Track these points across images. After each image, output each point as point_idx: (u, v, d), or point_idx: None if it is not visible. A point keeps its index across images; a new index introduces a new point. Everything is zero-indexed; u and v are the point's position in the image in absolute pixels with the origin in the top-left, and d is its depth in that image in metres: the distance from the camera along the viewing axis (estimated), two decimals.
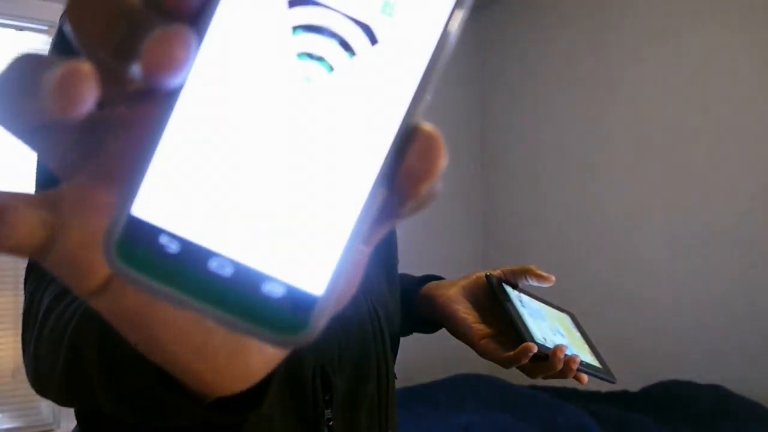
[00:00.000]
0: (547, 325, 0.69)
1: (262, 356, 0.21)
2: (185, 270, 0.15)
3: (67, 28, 0.16)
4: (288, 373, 0.50)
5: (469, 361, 2.55)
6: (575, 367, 0.62)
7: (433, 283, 0.72)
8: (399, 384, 0.68)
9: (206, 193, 0.15)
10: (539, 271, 0.68)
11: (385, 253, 0.65)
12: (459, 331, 0.66)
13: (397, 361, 0.67)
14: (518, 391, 2.09)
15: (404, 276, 0.75)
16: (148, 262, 0.15)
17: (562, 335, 0.69)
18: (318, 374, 0.52)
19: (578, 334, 0.75)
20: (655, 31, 2.30)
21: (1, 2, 2.02)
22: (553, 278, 0.67)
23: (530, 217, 2.79)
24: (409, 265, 0.79)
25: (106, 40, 0.15)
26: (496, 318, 0.66)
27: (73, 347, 0.33)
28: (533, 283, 0.68)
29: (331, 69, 0.15)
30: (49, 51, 0.50)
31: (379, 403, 0.57)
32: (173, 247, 0.15)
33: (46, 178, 0.47)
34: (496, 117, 3.04)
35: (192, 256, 0.15)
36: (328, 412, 0.51)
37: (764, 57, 1.98)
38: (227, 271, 0.15)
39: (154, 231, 0.15)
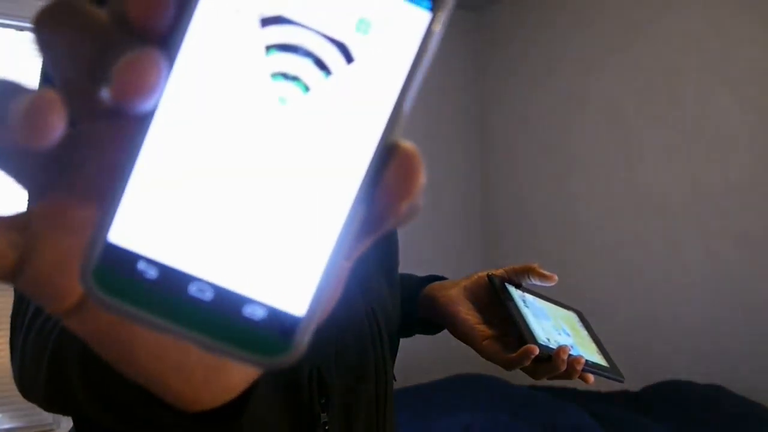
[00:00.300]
0: (552, 325, 0.68)
1: (241, 372, 0.21)
2: (164, 296, 0.14)
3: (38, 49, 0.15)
4: (283, 377, 0.50)
5: (469, 361, 2.55)
6: (580, 367, 0.61)
7: (435, 283, 0.71)
8: (399, 384, 0.68)
9: (183, 216, 0.15)
10: (542, 270, 0.67)
11: (385, 255, 0.64)
12: (461, 333, 0.65)
13: (396, 361, 0.67)
14: (518, 391, 2.09)
15: (406, 276, 0.75)
16: (126, 288, 0.14)
17: (567, 334, 0.69)
18: (314, 377, 0.51)
19: (585, 333, 0.74)
20: (652, 17, 2.30)
21: (1, 2, 2.02)
22: (556, 277, 0.67)
23: (531, 218, 2.79)
24: (410, 265, 0.79)
25: (75, 62, 0.15)
26: (498, 318, 0.66)
27: (56, 356, 0.33)
28: (536, 282, 0.68)
29: (307, 89, 0.15)
30: (40, 71, 0.50)
31: (377, 406, 0.57)
32: (151, 273, 0.14)
33: None
34: (496, 117, 3.04)
35: (170, 282, 0.14)
36: (323, 416, 0.51)
37: (757, 49, 1.98)
38: (207, 296, 0.14)
39: (131, 257, 0.14)
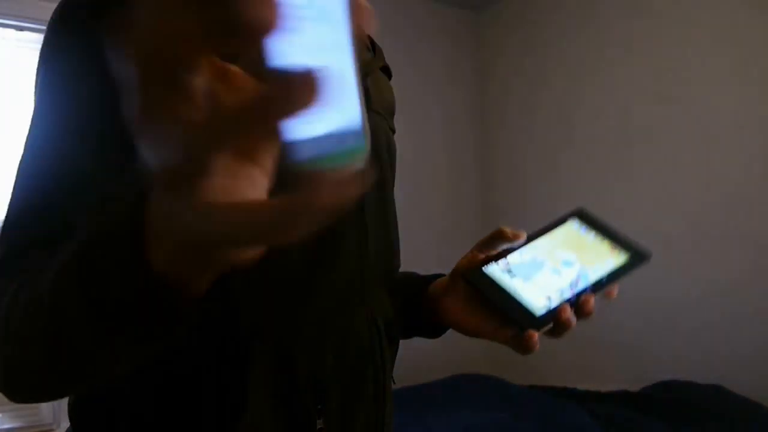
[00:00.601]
0: (550, 268, 0.63)
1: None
2: (284, 157, 0.22)
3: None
4: (279, 381, 0.49)
5: (469, 361, 2.56)
6: (591, 306, 0.58)
7: (431, 288, 0.69)
8: (399, 384, 0.68)
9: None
10: (510, 232, 0.65)
11: (386, 258, 0.63)
12: (474, 336, 0.64)
13: (397, 361, 0.67)
14: (518, 391, 2.09)
15: (406, 278, 0.74)
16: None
17: (568, 264, 0.63)
18: (310, 383, 0.51)
19: (591, 236, 0.67)
20: (651, 18, 2.30)
21: (1, 2, 2.02)
22: (524, 233, 0.65)
23: (530, 217, 2.79)
24: (410, 260, 0.79)
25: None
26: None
27: (53, 302, 0.33)
28: (508, 245, 0.65)
29: None
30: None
31: (375, 411, 0.56)
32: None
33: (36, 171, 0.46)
34: (496, 115, 3.04)
35: (287, 149, 0.22)
36: (319, 422, 0.51)
37: (750, 45, 1.98)
38: (322, 141, 0.23)
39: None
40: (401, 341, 0.69)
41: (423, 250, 2.41)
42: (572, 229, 0.69)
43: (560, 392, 2.16)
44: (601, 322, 2.33)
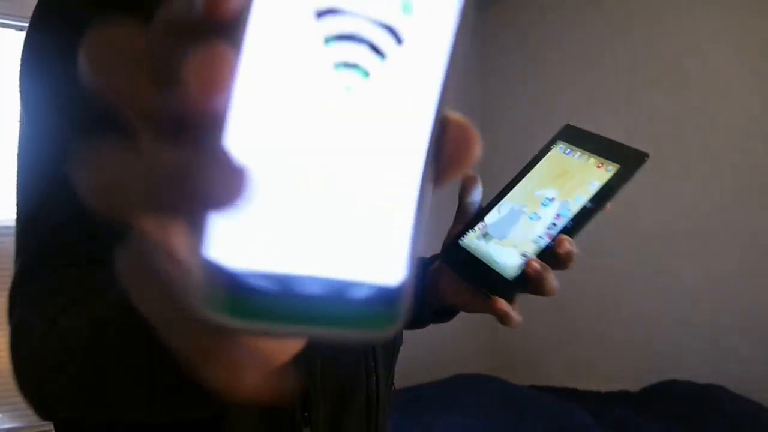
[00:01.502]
0: (527, 215, 0.55)
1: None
2: (275, 303, 0.14)
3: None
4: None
5: (469, 361, 2.56)
6: (565, 250, 0.48)
7: (430, 271, 0.66)
8: (399, 384, 0.67)
9: (273, 222, 0.14)
10: (470, 181, 0.58)
11: None
12: (475, 312, 0.59)
13: (397, 361, 0.66)
14: (518, 391, 2.09)
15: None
16: (238, 305, 0.14)
17: (548, 203, 0.55)
18: (297, 390, 0.49)
19: (577, 156, 0.58)
20: (653, 9, 2.30)
21: (1, 2, 2.02)
22: (478, 181, 0.59)
23: None
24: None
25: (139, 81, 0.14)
26: None
27: (91, 348, 0.33)
28: (474, 197, 0.59)
29: (367, 74, 0.15)
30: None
31: (367, 417, 0.55)
32: (257, 284, 0.14)
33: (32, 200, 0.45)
34: (498, 116, 3.04)
35: (278, 288, 0.14)
36: (306, 430, 0.49)
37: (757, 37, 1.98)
38: (316, 290, 0.15)
39: (236, 273, 0.14)
40: (403, 342, 0.68)
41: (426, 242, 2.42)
42: (556, 155, 0.60)
43: (561, 392, 2.16)
44: (601, 322, 2.33)
